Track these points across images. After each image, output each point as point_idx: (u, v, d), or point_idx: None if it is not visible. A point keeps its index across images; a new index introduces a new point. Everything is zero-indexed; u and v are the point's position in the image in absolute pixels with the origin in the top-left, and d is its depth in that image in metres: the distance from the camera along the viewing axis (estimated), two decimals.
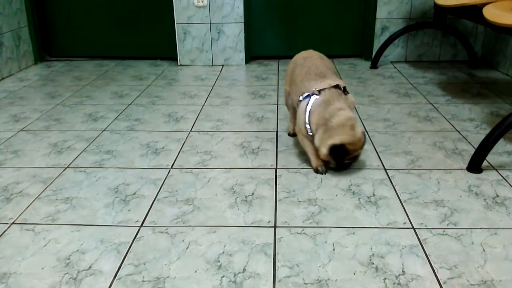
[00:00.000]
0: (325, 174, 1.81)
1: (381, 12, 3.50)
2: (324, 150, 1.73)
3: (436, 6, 3.16)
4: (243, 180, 1.79)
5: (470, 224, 1.48)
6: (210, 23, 3.54)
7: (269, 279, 1.26)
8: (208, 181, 1.78)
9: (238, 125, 2.36)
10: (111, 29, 3.82)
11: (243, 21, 3.52)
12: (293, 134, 2.16)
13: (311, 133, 1.78)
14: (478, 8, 2.22)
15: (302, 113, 1.80)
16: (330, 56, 3.71)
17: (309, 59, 1.96)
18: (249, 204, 1.62)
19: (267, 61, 3.70)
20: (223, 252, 1.37)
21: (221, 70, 3.48)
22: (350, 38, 3.71)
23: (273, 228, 1.48)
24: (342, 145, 1.69)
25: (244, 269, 1.30)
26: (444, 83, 3.03)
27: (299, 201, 1.63)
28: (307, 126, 1.78)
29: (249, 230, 1.47)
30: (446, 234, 1.44)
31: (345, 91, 1.82)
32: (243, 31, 3.55)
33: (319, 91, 1.78)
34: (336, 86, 1.79)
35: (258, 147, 2.08)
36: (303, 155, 1.99)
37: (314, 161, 1.84)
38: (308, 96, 1.79)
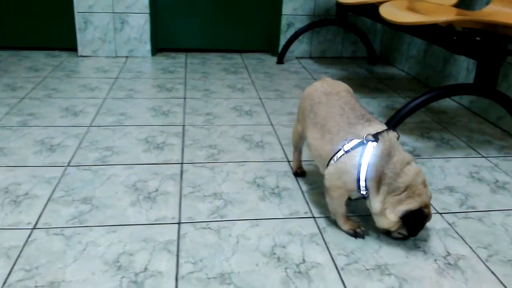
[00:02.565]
0: (363, 237, 1.43)
1: (287, 9, 3.57)
2: (393, 217, 1.32)
3: (338, 3, 3.29)
4: (146, 176, 1.73)
5: (365, 212, 1.56)
6: (113, 12, 3.39)
7: (172, 277, 1.23)
8: (108, 179, 1.70)
9: (142, 119, 2.28)
10: (4, 17, 3.51)
11: (148, 11, 3.41)
12: (301, 173, 1.80)
13: (364, 192, 1.36)
14: (376, 6, 2.34)
15: (351, 167, 1.34)
16: (239, 51, 3.76)
17: (336, 96, 1.51)
18: (152, 201, 1.57)
19: (174, 54, 3.63)
20: (123, 252, 1.32)
21: (125, 62, 3.35)
22: (257, 34, 3.75)
23: (177, 225, 1.45)
24: (420, 210, 1.32)
25: (145, 268, 1.25)
26: (345, 78, 3.16)
27: (205, 196, 1.62)
28: (361, 183, 1.34)
29: (152, 228, 1.43)
30: None
31: (398, 135, 1.40)
32: (149, 22, 3.44)
33: (375, 136, 1.34)
34: (392, 129, 1.38)
35: (163, 142, 2.03)
36: (210, 149, 1.97)
37: (345, 224, 1.46)
38: (361, 144, 1.34)
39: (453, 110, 2.60)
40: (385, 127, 1.37)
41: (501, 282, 1.26)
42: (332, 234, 1.43)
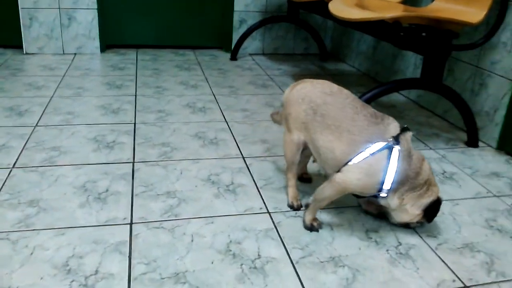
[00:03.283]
0: (318, 231, 1.44)
1: (239, 5, 3.56)
2: (415, 211, 1.38)
3: (289, 0, 3.32)
4: (96, 176, 1.68)
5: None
6: (60, 8, 3.27)
7: (124, 278, 1.19)
8: (56, 180, 1.64)
9: (92, 118, 2.21)
10: None
11: (96, 7, 3.31)
12: (300, 207, 1.58)
13: (384, 195, 1.35)
14: (325, 3, 2.37)
15: (378, 170, 1.30)
16: (192, 47, 3.72)
17: (341, 94, 1.45)
18: (102, 202, 1.52)
19: (125, 50, 3.54)
20: (73, 255, 1.27)
21: (73, 59, 3.24)
22: (210, 30, 3.71)
23: (129, 225, 1.41)
24: (438, 200, 1.40)
25: (96, 271, 1.21)
26: (297, 75, 3.19)
27: (158, 195, 1.58)
28: (385, 186, 1.32)
29: (103, 229, 1.39)
30: (299, 216, 1.51)
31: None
32: (97, 18, 3.34)
33: (396, 139, 1.32)
34: (406, 128, 1.37)
35: (114, 141, 1.98)
36: (163, 147, 1.93)
37: (310, 216, 1.46)
38: (387, 147, 1.31)
39: (402, 104, 2.68)
40: (398, 125, 1.37)
41: (450, 269, 1.30)
42: (287, 229, 1.44)
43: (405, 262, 1.32)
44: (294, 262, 1.29)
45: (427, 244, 1.41)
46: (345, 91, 1.47)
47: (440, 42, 1.96)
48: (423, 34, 1.96)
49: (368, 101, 1.95)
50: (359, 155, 1.31)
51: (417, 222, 1.44)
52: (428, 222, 1.46)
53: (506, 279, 1.28)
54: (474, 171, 1.90)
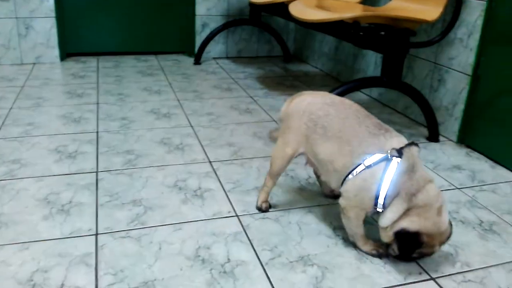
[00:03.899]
0: (385, 257, 1.34)
1: (201, 9, 3.55)
2: (389, 232, 1.24)
3: (251, 3, 3.33)
4: (59, 188, 1.64)
5: (288, 205, 1.59)
6: (17, 17, 3.18)
7: None
8: (17, 193, 1.59)
9: (53, 128, 2.16)
10: None
11: (54, 15, 3.23)
12: (267, 209, 1.57)
13: (381, 210, 1.25)
14: (286, 5, 2.39)
15: (372, 184, 1.23)
16: (154, 53, 3.68)
17: (343, 105, 1.39)
18: (66, 214, 1.49)
19: (85, 58, 3.47)
20: (38, 270, 1.23)
21: (32, 69, 3.15)
22: (173, 35, 3.68)
23: (94, 236, 1.38)
24: (416, 234, 1.21)
25: (62, 285, 1.18)
26: (262, 77, 3.21)
27: (123, 204, 1.56)
28: (380, 200, 1.24)
29: (67, 242, 1.35)
30: (267, 217, 1.51)
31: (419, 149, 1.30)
32: (55, 26, 3.27)
33: (399, 151, 1.24)
34: (413, 143, 1.27)
35: (76, 151, 1.93)
36: (127, 154, 1.90)
37: (366, 245, 1.36)
38: (384, 159, 1.23)
39: (364, 103, 2.73)
40: (404, 140, 1.28)
41: (416, 262, 1.33)
42: (256, 231, 1.44)
43: (372, 258, 1.34)
44: (263, 264, 1.29)
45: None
46: (347, 101, 1.41)
47: (398, 40, 2.01)
48: (382, 33, 2.01)
49: None
50: (357, 168, 1.26)
51: (393, 250, 1.27)
52: (400, 257, 1.28)
53: (470, 269, 1.31)
54: (436, 165, 1.95)
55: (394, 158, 1.22)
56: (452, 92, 2.20)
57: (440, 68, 2.26)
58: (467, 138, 2.15)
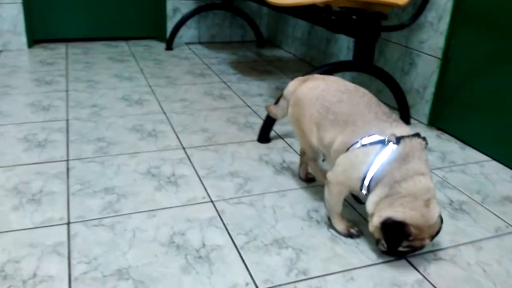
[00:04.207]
0: (359, 237, 1.36)
1: None
2: (375, 221, 1.22)
3: None
4: (28, 177, 1.60)
5: (262, 190, 1.59)
6: None
7: (64, 280, 1.15)
8: None
9: (21, 117, 2.10)
10: None
11: (21, 1, 3.13)
12: (308, 179, 1.66)
13: (365, 192, 1.26)
14: None
15: (362, 163, 1.24)
16: (125, 38, 3.61)
17: (356, 93, 1.39)
18: (37, 203, 1.46)
19: (54, 45, 3.38)
20: (9, 260, 1.21)
21: None
22: (143, 20, 3.61)
23: (66, 225, 1.36)
24: (402, 224, 1.17)
25: (34, 275, 1.16)
26: (235, 63, 3.19)
27: (95, 192, 1.53)
28: (365, 182, 1.23)
29: (38, 231, 1.33)
30: (242, 202, 1.52)
31: (426, 143, 1.28)
32: (22, 12, 3.16)
33: (398, 138, 1.24)
34: (419, 135, 1.26)
35: (46, 139, 1.89)
36: (99, 142, 1.87)
37: (339, 224, 1.37)
38: (381, 142, 1.23)
39: None
40: (409, 131, 1.26)
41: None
42: (230, 216, 1.44)
43: (346, 239, 1.36)
44: (239, 248, 1.30)
45: (366, 220, 1.46)
46: (362, 90, 1.42)
47: (370, 24, 2.02)
48: (353, 17, 2.01)
49: None
50: (354, 145, 1.27)
51: (382, 244, 1.25)
52: (388, 251, 1.25)
53: (441, 248, 1.34)
54: None
55: (390, 143, 1.21)
56: (423, 75, 2.23)
57: (411, 51, 2.29)
58: (438, 121, 2.19)
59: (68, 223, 1.37)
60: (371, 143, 1.24)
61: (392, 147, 1.21)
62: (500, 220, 1.50)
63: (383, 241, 1.24)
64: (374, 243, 1.30)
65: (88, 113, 2.17)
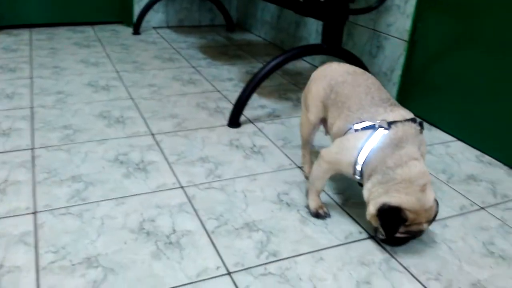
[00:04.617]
0: (327, 218, 1.39)
1: None
2: (371, 209, 1.21)
3: None
4: None
5: (233, 175, 1.60)
6: None
7: (32, 269, 1.13)
8: None
9: None
10: None
11: None
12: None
13: (358, 177, 1.26)
14: None
15: (353, 148, 1.24)
16: (91, 23, 3.52)
17: (363, 75, 1.40)
18: (2, 193, 1.42)
19: (17, 31, 3.27)
20: None
21: None
22: (109, 4, 3.52)
23: (33, 214, 1.33)
24: (398, 209, 1.16)
25: (0, 265, 1.14)
26: (204, 47, 3.15)
27: (62, 180, 1.50)
28: (357, 167, 1.24)
29: (4, 222, 1.30)
30: (212, 187, 1.51)
31: (422, 127, 1.27)
32: None
33: (389, 124, 1.23)
34: (413, 120, 1.25)
35: (10, 128, 1.83)
36: (65, 129, 1.83)
37: (312, 202, 1.40)
38: (372, 127, 1.24)
39: (307, 71, 2.75)
40: (407, 115, 1.26)
41: (356, 221, 1.38)
42: (201, 201, 1.44)
43: (315, 220, 1.38)
44: (209, 232, 1.30)
45: (335, 201, 1.48)
46: (368, 74, 1.43)
47: (337, 7, 2.02)
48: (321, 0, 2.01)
49: (272, 70, 1.98)
50: (349, 131, 1.28)
51: (381, 232, 1.25)
52: (386, 239, 1.26)
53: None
54: None
55: (380, 128, 1.21)
56: (390, 58, 2.25)
57: (379, 34, 2.31)
58: (405, 103, 2.22)
59: (35, 212, 1.34)
60: (362, 128, 1.25)
61: (382, 132, 1.21)
62: (465, 198, 1.55)
63: (380, 229, 1.23)
64: (373, 232, 1.31)
65: (54, 100, 2.11)
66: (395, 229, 1.19)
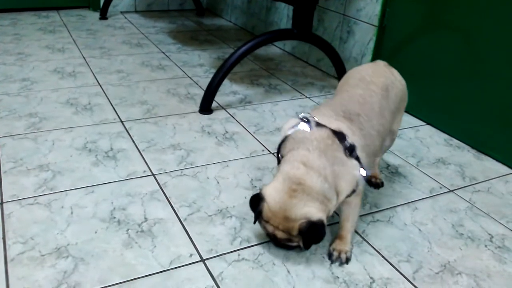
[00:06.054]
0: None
1: None
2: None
3: None
4: None
5: (205, 161, 1.58)
6: None
7: (0, 261, 1.10)
8: None
9: None
10: None
11: None
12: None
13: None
14: None
15: (282, 131, 1.21)
16: (56, 8, 3.41)
17: (374, 86, 1.30)
18: None
19: None
20: None
21: None
22: None
23: None
24: (261, 197, 1.10)
25: None
26: (174, 32, 3.10)
27: (29, 170, 1.46)
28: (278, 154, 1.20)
29: None
30: (184, 174, 1.50)
31: (351, 150, 1.11)
32: None
33: (317, 123, 1.14)
34: (338, 133, 1.12)
35: None
36: (31, 117, 1.77)
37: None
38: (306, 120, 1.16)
39: (278, 57, 2.74)
40: (338, 129, 1.13)
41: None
42: (173, 188, 1.42)
43: None
44: (182, 219, 1.29)
45: None
46: (386, 75, 1.37)
47: None
48: None
49: (243, 55, 1.96)
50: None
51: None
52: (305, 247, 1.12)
53: (378, 210, 1.40)
54: None
55: (302, 122, 1.15)
56: (361, 43, 2.27)
57: (349, 19, 2.31)
58: None
59: (1, 203, 1.30)
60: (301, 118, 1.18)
61: (301, 126, 1.15)
62: (434, 181, 1.58)
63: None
64: None
65: (18, 88, 2.04)
66: (254, 213, 1.14)
